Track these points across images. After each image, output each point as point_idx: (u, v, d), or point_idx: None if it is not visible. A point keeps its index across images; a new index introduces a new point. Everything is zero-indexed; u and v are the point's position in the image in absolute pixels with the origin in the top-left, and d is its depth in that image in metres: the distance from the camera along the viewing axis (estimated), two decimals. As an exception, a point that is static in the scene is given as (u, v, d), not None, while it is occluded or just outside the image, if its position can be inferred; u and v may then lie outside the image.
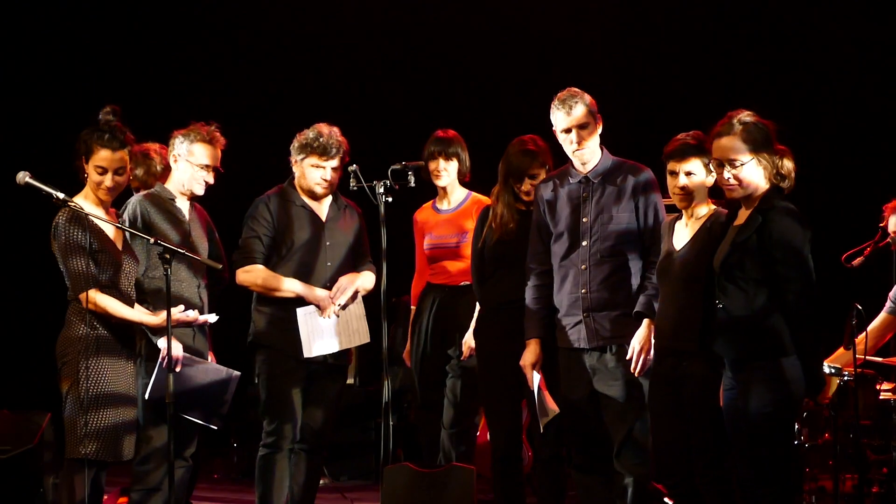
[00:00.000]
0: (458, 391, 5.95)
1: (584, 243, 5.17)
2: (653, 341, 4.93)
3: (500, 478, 5.56)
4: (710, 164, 4.74)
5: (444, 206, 6.11)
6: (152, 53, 9.28)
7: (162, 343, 5.11)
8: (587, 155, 5.20)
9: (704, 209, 4.90)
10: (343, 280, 5.64)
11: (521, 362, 5.27)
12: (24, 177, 4.86)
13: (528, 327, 5.29)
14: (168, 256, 4.90)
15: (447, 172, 6.03)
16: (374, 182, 5.52)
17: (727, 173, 4.57)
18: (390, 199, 5.53)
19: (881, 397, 5.97)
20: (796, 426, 5.93)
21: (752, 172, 4.56)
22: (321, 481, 6.17)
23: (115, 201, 5.24)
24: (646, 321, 4.99)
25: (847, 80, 8.30)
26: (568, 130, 5.18)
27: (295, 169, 5.69)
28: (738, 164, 4.55)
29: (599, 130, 5.22)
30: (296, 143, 5.66)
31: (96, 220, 5.01)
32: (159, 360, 5.19)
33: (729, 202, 4.76)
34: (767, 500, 4.51)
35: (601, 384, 5.13)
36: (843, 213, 7.74)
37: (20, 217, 7.88)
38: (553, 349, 5.27)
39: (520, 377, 5.35)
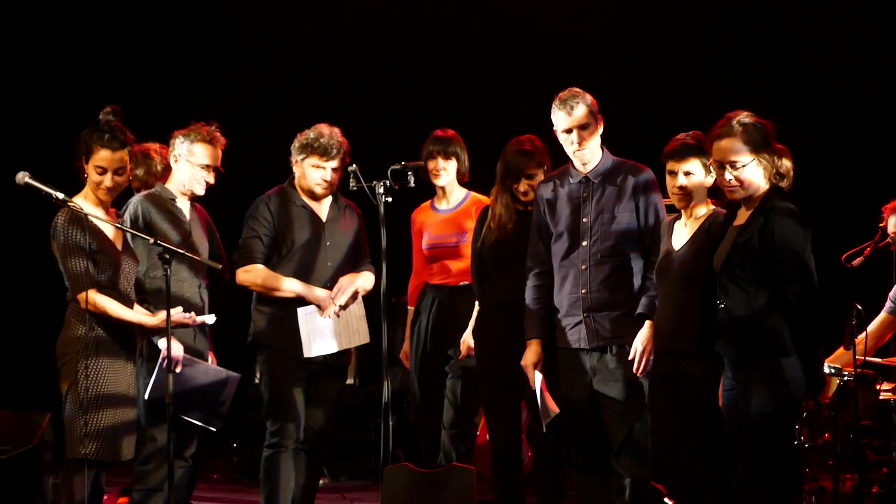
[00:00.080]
0: (457, 392, 5.95)
1: (585, 243, 5.17)
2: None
3: (500, 478, 5.56)
4: (710, 165, 4.75)
5: (442, 205, 6.11)
6: (152, 53, 9.28)
7: (163, 344, 5.11)
8: (588, 155, 5.20)
9: (703, 209, 4.90)
10: (343, 280, 5.64)
11: (523, 362, 5.27)
12: (23, 177, 4.86)
13: (528, 327, 5.29)
14: (168, 256, 4.90)
15: (446, 172, 6.03)
16: (374, 182, 5.52)
17: (728, 175, 4.57)
18: (390, 200, 5.53)
19: (881, 397, 5.97)
20: (796, 426, 5.93)
21: (753, 173, 4.56)
22: (321, 481, 6.17)
23: (115, 201, 5.23)
24: (648, 322, 4.98)
25: (847, 80, 8.29)
26: (569, 131, 5.17)
27: (295, 169, 5.69)
28: (739, 165, 4.55)
29: (600, 131, 5.22)
30: (296, 143, 5.66)
31: (96, 221, 5.01)
32: (159, 360, 5.20)
33: (728, 202, 4.76)
34: (767, 500, 4.51)
35: (601, 385, 5.13)
36: (843, 213, 7.73)
37: (20, 217, 7.88)
38: (553, 349, 5.27)
39: (519, 377, 5.35)
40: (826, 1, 8.29)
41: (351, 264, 5.73)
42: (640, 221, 5.15)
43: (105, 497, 5.31)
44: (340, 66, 9.40)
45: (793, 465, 4.65)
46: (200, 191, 5.52)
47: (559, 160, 5.41)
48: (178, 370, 5.21)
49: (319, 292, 5.59)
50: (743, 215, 4.63)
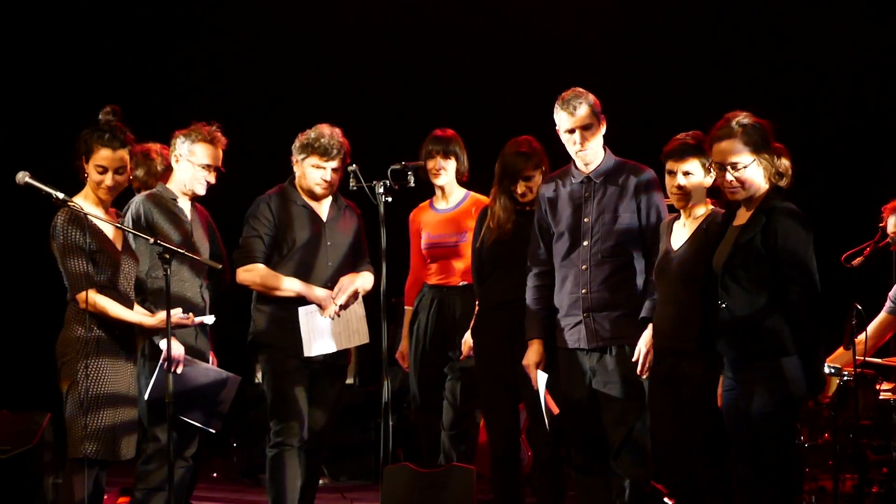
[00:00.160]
0: (457, 393, 5.95)
1: (585, 243, 5.16)
2: (654, 342, 4.94)
3: (499, 478, 5.56)
4: (710, 166, 4.74)
5: (442, 205, 6.11)
6: (152, 53, 9.28)
7: (164, 344, 5.11)
8: (590, 156, 5.20)
9: (702, 209, 4.90)
10: (344, 280, 5.64)
11: (524, 362, 5.27)
12: (23, 177, 4.86)
13: (529, 328, 5.29)
14: (168, 256, 4.90)
15: (445, 172, 6.03)
16: (374, 182, 5.52)
17: (730, 176, 4.56)
18: (390, 199, 5.53)
19: (881, 397, 5.97)
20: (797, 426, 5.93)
21: (754, 173, 4.56)
22: (321, 481, 6.17)
23: (114, 202, 5.23)
24: (651, 325, 4.98)
25: (847, 80, 8.29)
26: (571, 131, 5.17)
27: (296, 168, 5.69)
28: (740, 166, 4.54)
29: (603, 131, 5.22)
30: (297, 143, 5.66)
31: (96, 221, 5.01)
32: (160, 360, 5.20)
33: (727, 202, 4.76)
34: (768, 500, 4.51)
35: (601, 385, 5.13)
36: (843, 213, 7.73)
37: (20, 217, 7.88)
38: (554, 350, 5.27)
39: (518, 377, 5.36)
40: (826, 1, 8.29)
41: (351, 264, 5.73)
42: (642, 221, 5.15)
43: (105, 497, 5.31)
44: (340, 66, 9.40)
45: (793, 465, 4.63)
46: (201, 191, 5.52)
47: (559, 161, 5.41)
48: (178, 371, 5.21)
49: (320, 292, 5.59)
50: (743, 215, 4.63)
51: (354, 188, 5.56)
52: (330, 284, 5.63)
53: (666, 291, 4.86)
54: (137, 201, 5.46)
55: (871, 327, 5.91)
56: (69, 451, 4.97)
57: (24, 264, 8.69)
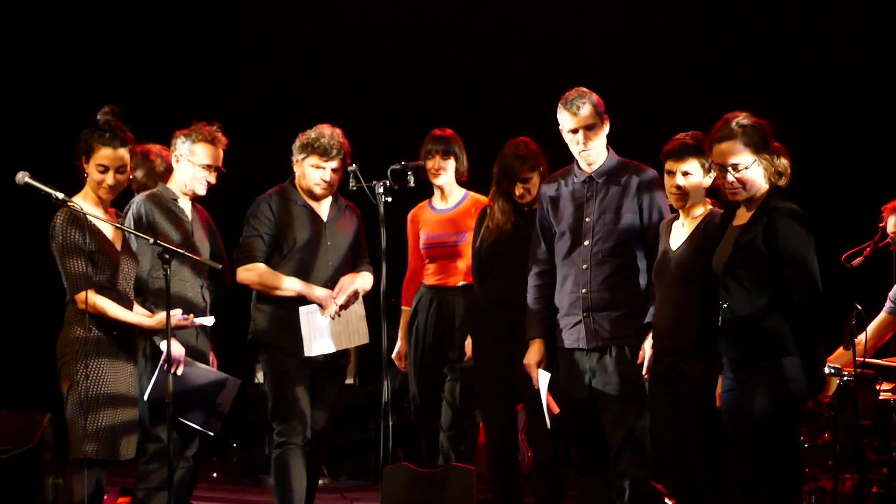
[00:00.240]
0: (456, 393, 5.95)
1: (586, 243, 5.16)
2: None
3: (498, 478, 5.56)
4: (710, 167, 4.74)
5: (441, 205, 6.10)
6: (152, 53, 9.27)
7: (164, 345, 5.11)
8: (593, 156, 5.19)
9: (701, 209, 4.90)
10: (345, 280, 5.65)
11: (525, 361, 5.27)
12: (23, 177, 4.86)
13: (529, 327, 5.29)
14: (168, 256, 4.90)
15: (445, 171, 6.03)
16: (374, 182, 5.51)
17: (730, 177, 4.56)
18: (390, 199, 5.53)
19: (881, 397, 5.96)
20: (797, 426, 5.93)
21: (755, 174, 4.56)
22: (321, 481, 6.17)
23: (114, 202, 5.23)
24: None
25: (847, 80, 8.29)
26: (574, 131, 5.16)
27: (296, 168, 5.70)
28: (741, 167, 4.54)
29: (606, 130, 5.21)
30: (297, 143, 5.66)
31: (95, 221, 5.01)
32: (160, 361, 5.20)
33: (726, 202, 4.75)
34: (768, 500, 4.51)
35: (600, 385, 5.13)
36: (843, 213, 7.73)
37: (20, 217, 7.88)
38: (554, 349, 5.27)
39: (516, 377, 5.35)
40: (826, 1, 8.29)
41: (351, 264, 5.74)
42: (644, 221, 5.15)
43: (105, 497, 5.31)
44: (340, 66, 9.39)
45: (794, 465, 4.63)
46: (202, 191, 5.52)
47: (559, 161, 5.40)
48: (178, 371, 5.21)
49: (320, 291, 5.59)
50: (743, 215, 4.63)
51: (354, 188, 5.56)
52: (330, 284, 5.63)
53: (665, 291, 4.86)
54: (138, 201, 5.46)
55: (871, 327, 5.91)
56: (69, 451, 4.97)
57: (24, 264, 8.69)
